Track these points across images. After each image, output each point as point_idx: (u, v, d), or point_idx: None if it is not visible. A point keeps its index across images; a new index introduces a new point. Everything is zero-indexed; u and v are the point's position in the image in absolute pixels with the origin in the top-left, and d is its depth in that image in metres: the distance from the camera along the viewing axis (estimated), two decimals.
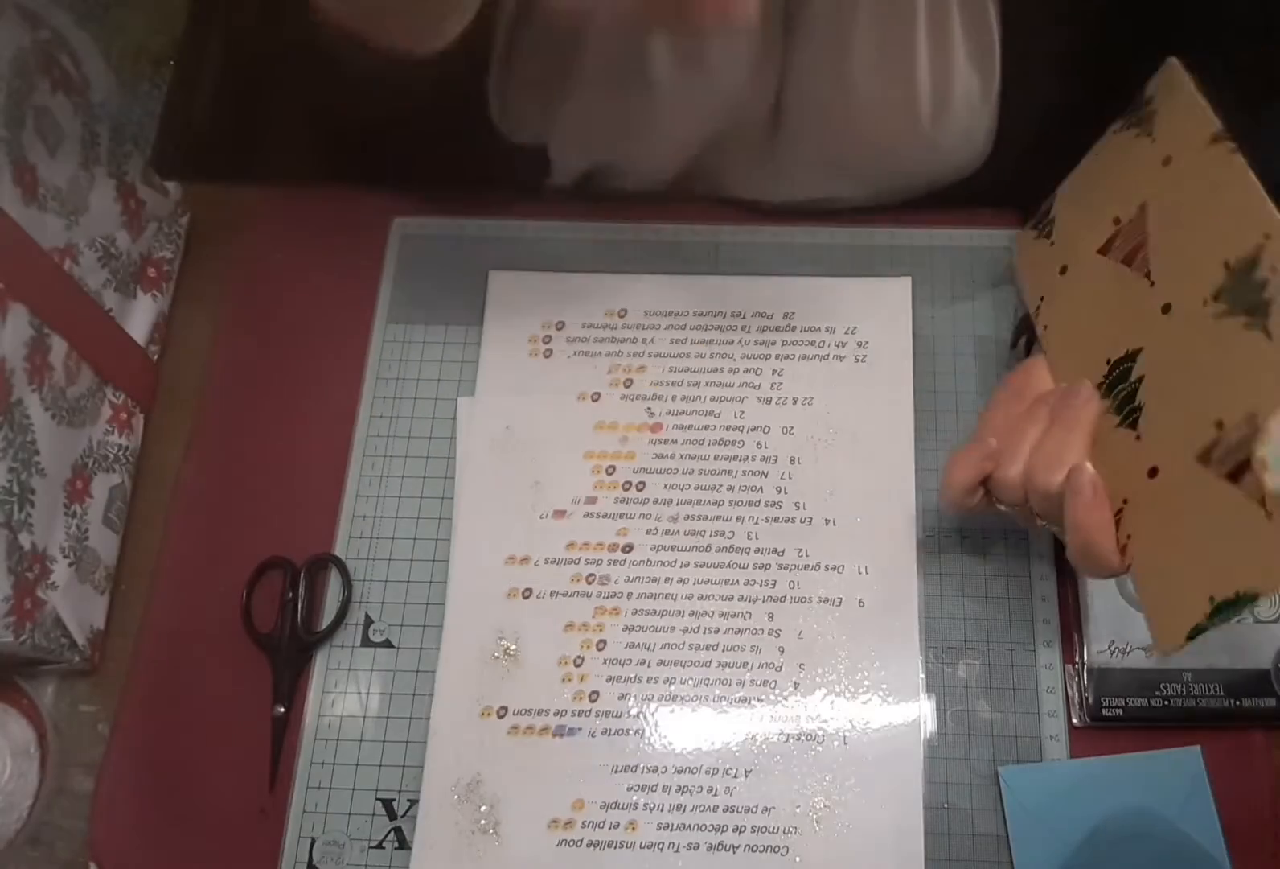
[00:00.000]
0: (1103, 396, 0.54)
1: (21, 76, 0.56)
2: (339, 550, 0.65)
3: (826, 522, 0.64)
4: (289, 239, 0.73)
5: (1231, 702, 0.59)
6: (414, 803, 0.59)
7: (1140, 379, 0.53)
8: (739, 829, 0.58)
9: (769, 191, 0.72)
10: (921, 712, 0.60)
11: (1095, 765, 0.58)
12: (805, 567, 0.63)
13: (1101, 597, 0.61)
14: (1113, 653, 0.60)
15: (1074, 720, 0.59)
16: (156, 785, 0.60)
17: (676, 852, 0.57)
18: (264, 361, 0.70)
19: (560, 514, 0.65)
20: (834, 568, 0.63)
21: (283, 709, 0.61)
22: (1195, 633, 0.46)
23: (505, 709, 0.60)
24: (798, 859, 0.57)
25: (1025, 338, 0.65)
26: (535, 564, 0.64)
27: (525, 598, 0.63)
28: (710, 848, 0.57)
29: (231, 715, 0.62)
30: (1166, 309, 0.52)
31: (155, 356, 0.71)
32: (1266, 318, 0.46)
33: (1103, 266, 0.56)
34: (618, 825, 0.58)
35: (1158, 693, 0.59)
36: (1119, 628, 0.60)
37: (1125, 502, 0.52)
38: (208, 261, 0.74)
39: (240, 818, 0.60)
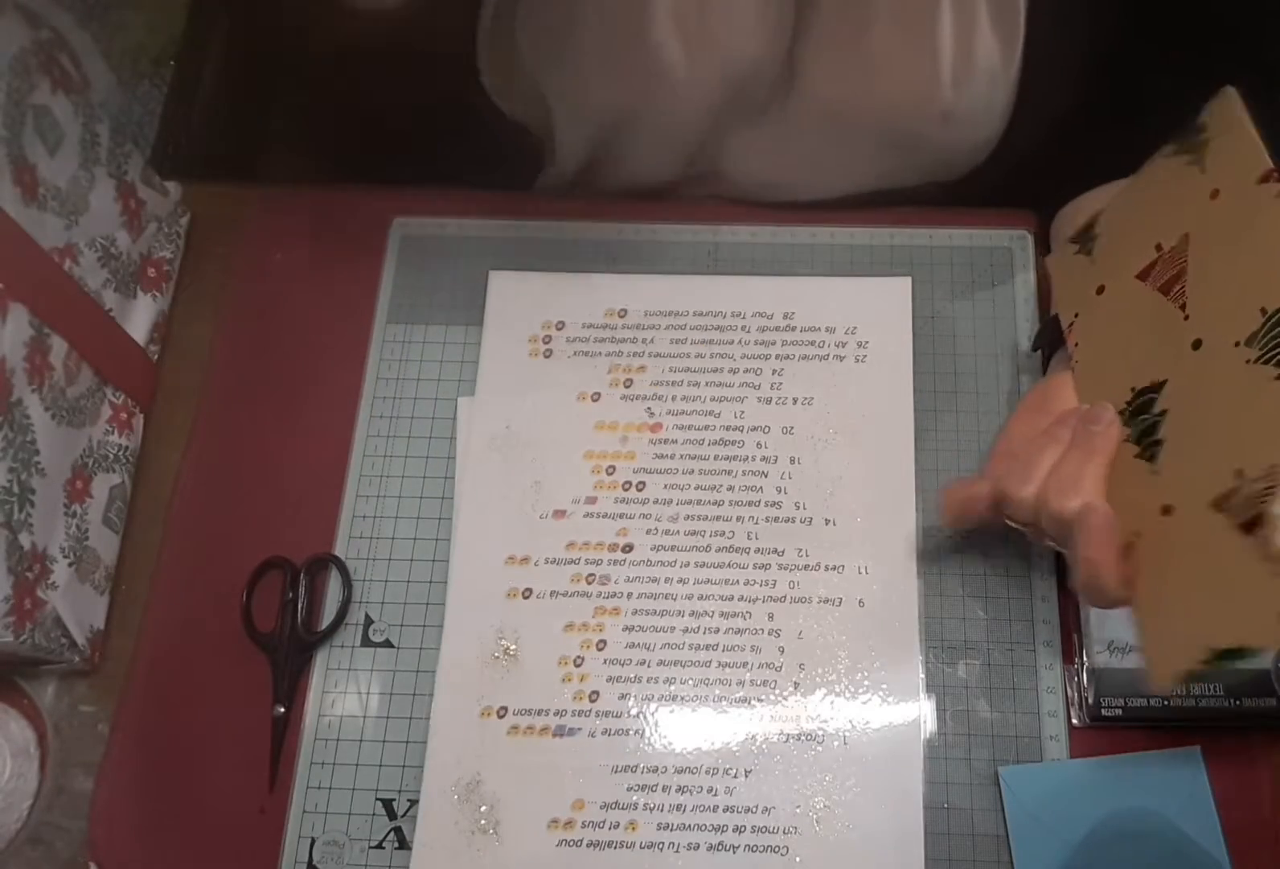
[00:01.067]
0: (1124, 423, 0.54)
1: (21, 76, 0.56)
2: (339, 550, 0.65)
3: (826, 522, 0.64)
4: (289, 239, 0.73)
5: (1231, 702, 0.58)
6: (414, 803, 0.59)
7: (1163, 412, 0.52)
8: (739, 829, 0.58)
9: (773, 173, 0.71)
10: (921, 712, 0.60)
11: (1095, 765, 0.58)
12: (805, 567, 0.63)
13: None
14: (1113, 653, 0.60)
15: (1074, 720, 0.59)
16: (156, 785, 0.60)
17: (676, 852, 0.57)
18: (264, 361, 0.70)
19: (560, 514, 0.65)
20: (834, 568, 0.63)
21: (283, 709, 0.61)
22: (1189, 677, 0.47)
23: (505, 709, 0.60)
24: (798, 859, 0.57)
25: (1046, 346, 0.64)
26: (535, 564, 0.64)
27: (525, 598, 0.63)
28: (710, 848, 0.57)
29: (231, 715, 0.62)
30: (1197, 345, 0.51)
31: (155, 356, 0.71)
32: None
33: (1140, 292, 0.56)
34: (618, 825, 0.58)
35: (1158, 693, 0.59)
36: (1119, 628, 0.60)
37: (1137, 535, 0.52)
38: (208, 261, 0.74)
39: (240, 818, 0.60)
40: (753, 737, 0.59)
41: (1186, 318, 0.52)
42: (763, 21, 0.60)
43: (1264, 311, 0.48)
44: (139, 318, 0.69)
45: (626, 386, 0.68)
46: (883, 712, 0.60)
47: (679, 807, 0.58)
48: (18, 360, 0.56)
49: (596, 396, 0.68)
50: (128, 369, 0.67)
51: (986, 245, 0.71)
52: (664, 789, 0.59)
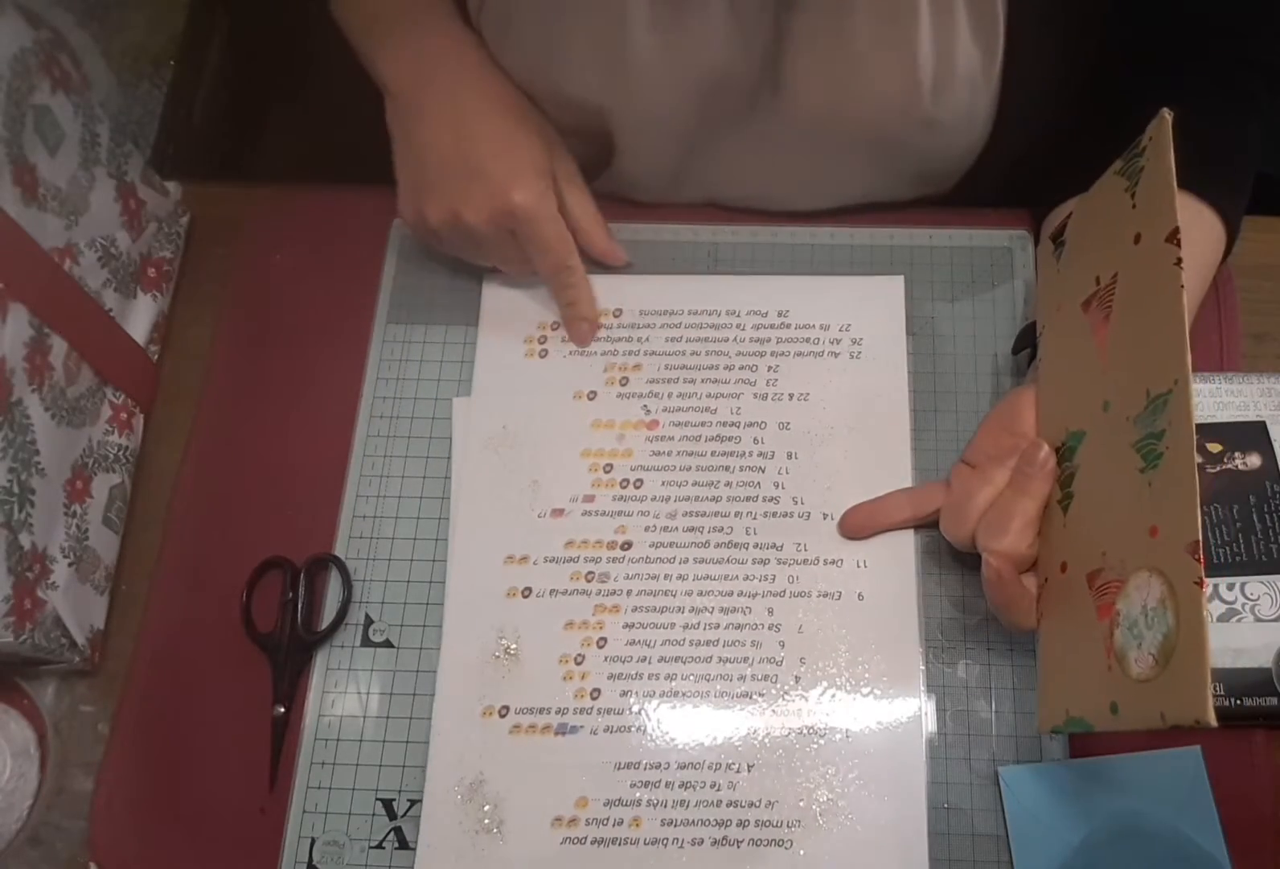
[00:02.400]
0: (1058, 463, 0.55)
1: (21, 76, 0.56)
2: (339, 550, 0.65)
3: (825, 516, 0.64)
4: (289, 239, 0.73)
5: (1231, 702, 0.58)
6: (414, 803, 0.59)
7: (1076, 467, 0.53)
8: (742, 824, 0.58)
9: (763, 185, 0.71)
10: (922, 705, 0.60)
11: (1095, 765, 0.58)
12: (804, 561, 0.63)
13: None
14: None
15: None
16: (156, 785, 0.60)
17: (680, 847, 0.57)
18: (264, 361, 0.70)
19: (558, 513, 0.65)
20: (833, 562, 0.63)
21: (283, 709, 0.61)
22: (1055, 731, 0.50)
23: (507, 708, 0.60)
24: (801, 852, 0.57)
25: (1026, 349, 0.65)
26: (534, 563, 0.64)
27: (525, 597, 0.63)
28: (714, 843, 0.57)
29: (231, 715, 0.61)
30: (1106, 407, 0.51)
31: (155, 356, 0.71)
32: (1155, 470, 0.46)
33: (1081, 326, 0.55)
34: (621, 822, 0.58)
35: None
36: None
37: (1045, 580, 0.53)
38: (208, 261, 0.74)
39: (240, 818, 0.59)
40: (754, 731, 0.59)
41: (1105, 373, 0.52)
42: (739, 24, 0.61)
43: (1148, 394, 0.47)
44: (139, 318, 0.69)
45: (623, 385, 0.68)
46: (884, 704, 0.60)
47: (682, 802, 0.58)
48: (18, 360, 0.56)
49: (593, 395, 0.68)
50: (128, 369, 0.67)
51: (986, 245, 0.71)
52: (667, 785, 0.58)
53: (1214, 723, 0.41)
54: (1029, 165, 0.66)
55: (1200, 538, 0.43)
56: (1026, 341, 0.64)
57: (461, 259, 0.68)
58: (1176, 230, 0.48)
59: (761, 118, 0.66)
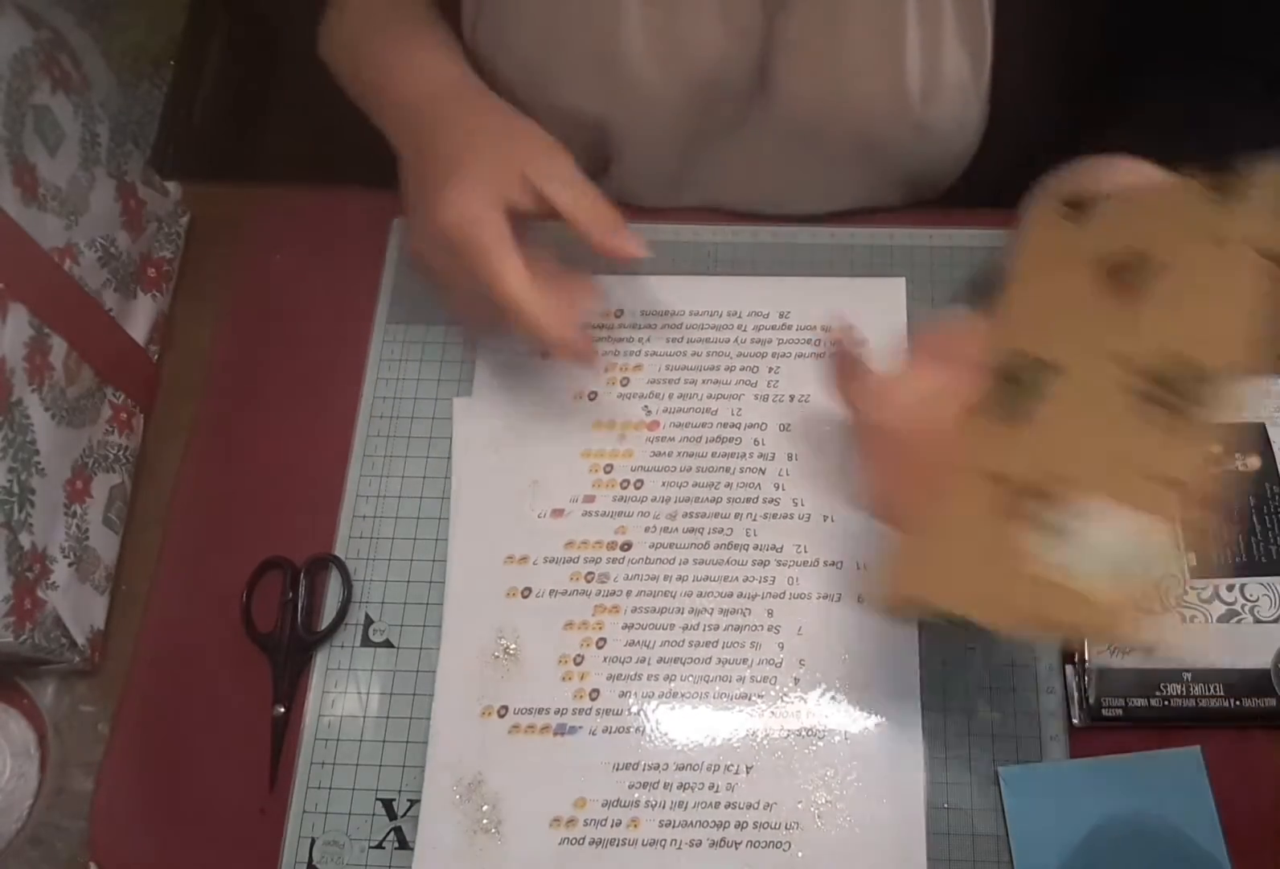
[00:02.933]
0: (1000, 376, 0.54)
1: (21, 76, 0.56)
2: (339, 550, 0.65)
3: (825, 518, 0.64)
4: (289, 239, 0.73)
5: (1231, 702, 0.59)
6: (414, 803, 0.59)
7: (1044, 396, 0.52)
8: (741, 825, 0.58)
9: (759, 190, 0.71)
10: (921, 707, 0.60)
11: (1095, 765, 0.58)
12: (804, 563, 0.63)
13: None
14: (1113, 653, 0.60)
15: (1074, 720, 0.59)
16: (156, 785, 0.60)
17: (679, 849, 0.57)
18: (264, 361, 0.70)
19: (558, 513, 0.65)
20: (833, 564, 0.63)
21: (283, 709, 0.61)
22: (909, 612, 0.49)
23: (506, 708, 0.60)
24: (800, 854, 0.57)
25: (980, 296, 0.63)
26: (534, 563, 0.64)
27: (524, 597, 0.63)
28: (712, 844, 0.57)
29: (231, 715, 0.62)
30: (1118, 359, 0.52)
31: (155, 356, 0.71)
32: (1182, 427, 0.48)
33: (1093, 285, 0.55)
34: (620, 823, 0.58)
35: (1158, 693, 0.59)
36: None
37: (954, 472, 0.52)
38: (208, 261, 0.74)
39: (240, 818, 0.60)
40: (753, 733, 0.59)
41: (1126, 331, 0.53)
42: (732, 29, 0.61)
43: (1180, 358, 0.50)
44: (139, 318, 0.69)
45: (623, 385, 0.68)
46: (883, 707, 0.60)
47: (681, 804, 0.58)
48: (18, 360, 0.56)
49: (593, 396, 0.68)
50: (128, 369, 0.67)
51: (986, 245, 0.71)
52: (665, 786, 0.59)
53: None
54: (1022, 170, 0.65)
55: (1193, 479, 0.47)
56: (987, 289, 0.60)
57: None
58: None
59: (755, 123, 0.66)
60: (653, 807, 0.58)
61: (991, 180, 0.68)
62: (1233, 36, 0.62)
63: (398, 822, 0.59)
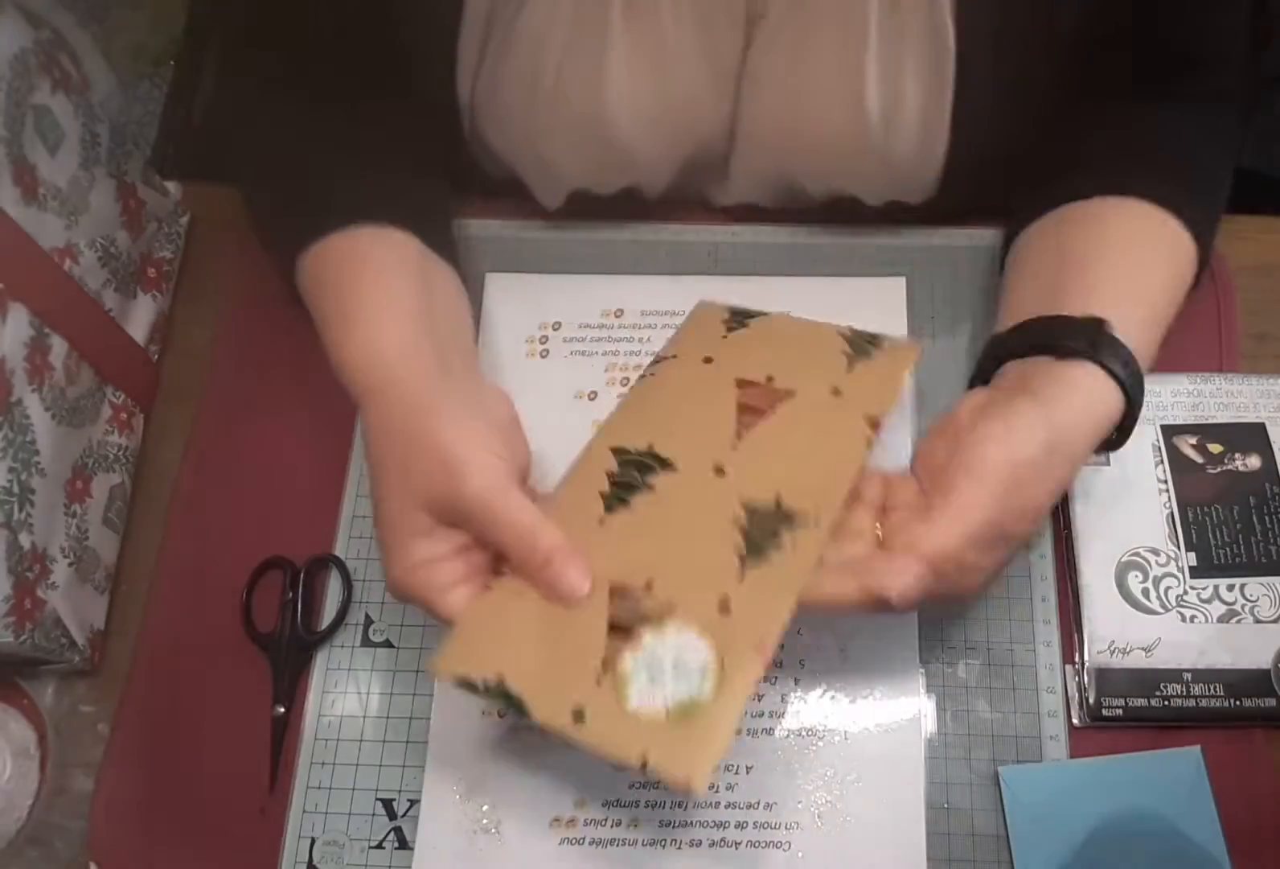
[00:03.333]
0: (618, 461, 0.56)
1: (21, 76, 0.56)
2: (339, 550, 0.65)
3: None
4: None
5: (1231, 702, 0.59)
6: (414, 803, 0.59)
7: (644, 487, 0.54)
8: (741, 825, 0.58)
9: (738, 199, 0.72)
10: (921, 708, 0.60)
11: (1095, 765, 0.58)
12: None
13: (1102, 597, 0.61)
14: (1113, 653, 0.60)
15: (1074, 720, 0.59)
16: (156, 785, 0.60)
17: (679, 849, 0.57)
18: (264, 361, 0.70)
19: None
20: None
21: (283, 709, 0.61)
22: (464, 684, 0.49)
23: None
24: (800, 854, 0.57)
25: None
26: None
27: None
28: (712, 845, 0.57)
29: (231, 715, 0.61)
30: (719, 471, 0.54)
31: (155, 356, 0.71)
32: (759, 565, 0.50)
33: (723, 390, 0.59)
34: (620, 823, 0.58)
35: (1158, 693, 0.59)
36: (1119, 628, 0.60)
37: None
38: (208, 261, 0.74)
39: (240, 818, 0.60)
40: (753, 732, 0.59)
41: (734, 447, 0.55)
42: (712, 70, 0.62)
43: (779, 498, 0.52)
44: (139, 318, 0.69)
45: (624, 385, 0.68)
46: (883, 706, 0.60)
47: (680, 804, 0.58)
48: (18, 360, 0.56)
49: (594, 395, 0.68)
50: (128, 369, 0.67)
51: (987, 245, 0.71)
52: (665, 786, 0.58)
53: (702, 792, 0.47)
54: (987, 191, 0.66)
55: (774, 643, 0.48)
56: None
57: None
58: (879, 421, 0.56)
59: (733, 173, 0.68)
60: (652, 807, 0.58)
61: (958, 204, 0.68)
62: (1203, 69, 0.62)
63: (398, 822, 0.59)
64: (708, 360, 0.61)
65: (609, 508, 0.53)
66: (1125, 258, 0.58)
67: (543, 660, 0.49)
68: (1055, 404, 0.52)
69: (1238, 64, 0.62)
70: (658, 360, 0.62)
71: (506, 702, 0.48)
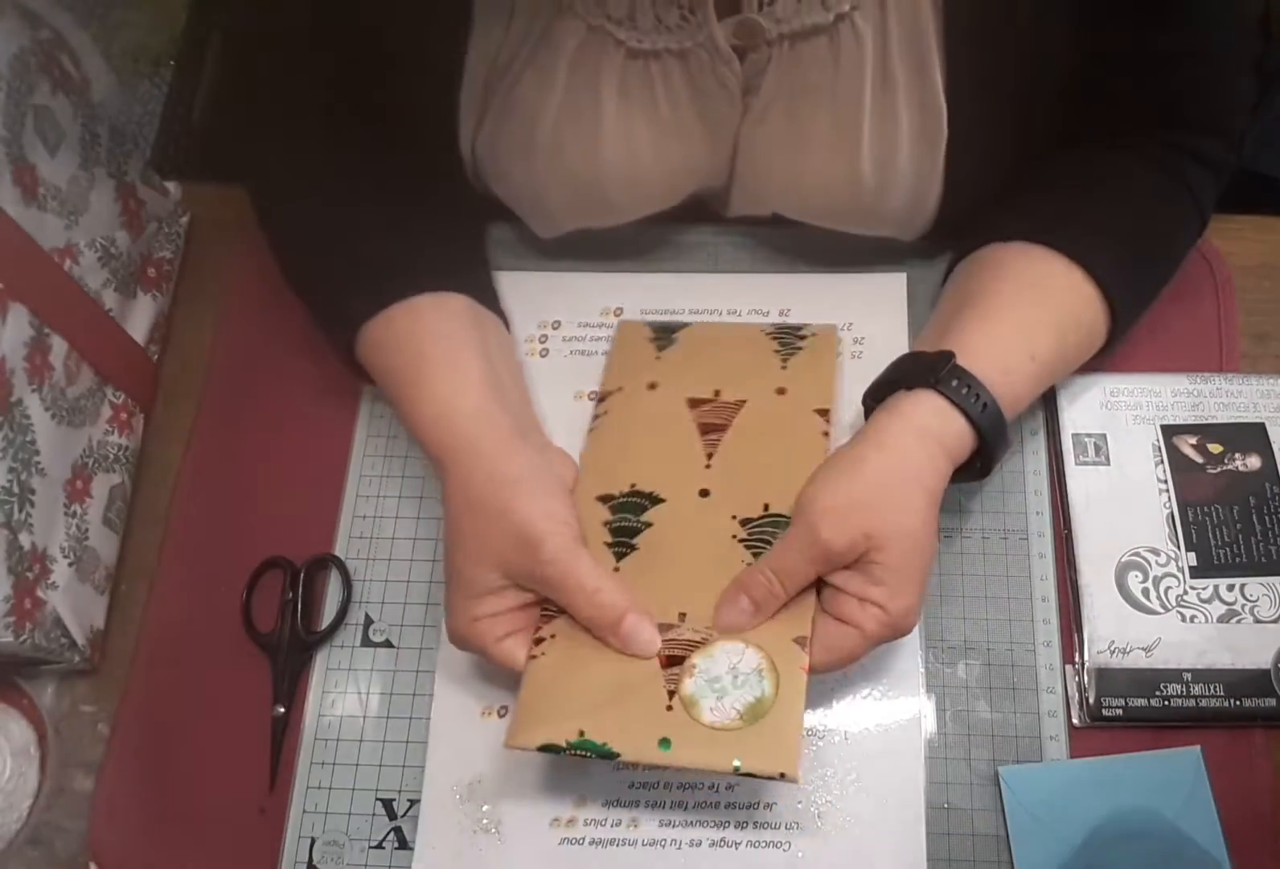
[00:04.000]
0: (610, 510, 0.59)
1: (21, 76, 0.56)
2: (339, 550, 0.65)
3: None
4: None
5: (1231, 702, 0.59)
6: (414, 803, 0.59)
7: (645, 525, 0.58)
8: (741, 825, 0.58)
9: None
10: (921, 710, 0.60)
11: (1095, 765, 0.58)
12: None
13: (1102, 597, 0.61)
14: (1113, 653, 0.60)
15: (1074, 720, 0.59)
16: (156, 785, 0.60)
17: (679, 849, 0.57)
18: (264, 361, 0.70)
19: None
20: None
21: (283, 709, 0.61)
22: (546, 748, 0.51)
23: (506, 708, 0.60)
24: (800, 855, 0.57)
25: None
26: None
27: None
28: (712, 845, 0.57)
29: (231, 715, 0.62)
30: (704, 494, 0.59)
31: (155, 356, 0.71)
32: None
33: (682, 418, 0.62)
34: (620, 823, 0.58)
35: (1158, 693, 0.59)
36: (1119, 628, 0.60)
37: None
38: (208, 261, 0.74)
39: (240, 818, 0.60)
40: None
41: (708, 466, 0.59)
42: (711, 152, 0.63)
43: (766, 507, 0.57)
44: (139, 318, 0.69)
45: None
46: (883, 706, 0.60)
47: (680, 804, 0.58)
48: (18, 360, 0.56)
49: (594, 395, 0.68)
50: (128, 369, 0.67)
51: None
52: (665, 786, 0.58)
53: (799, 779, 0.50)
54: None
55: (810, 633, 0.53)
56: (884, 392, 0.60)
57: None
58: (828, 411, 0.61)
59: (730, 205, 0.69)
60: (652, 807, 0.58)
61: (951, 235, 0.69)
62: (1183, 130, 0.62)
63: (398, 822, 0.59)
64: (652, 386, 0.64)
65: (619, 557, 0.57)
66: (1014, 299, 0.59)
67: (612, 706, 0.52)
68: (882, 430, 0.56)
69: (1228, 128, 0.62)
70: (603, 397, 0.65)
71: (594, 751, 0.51)
